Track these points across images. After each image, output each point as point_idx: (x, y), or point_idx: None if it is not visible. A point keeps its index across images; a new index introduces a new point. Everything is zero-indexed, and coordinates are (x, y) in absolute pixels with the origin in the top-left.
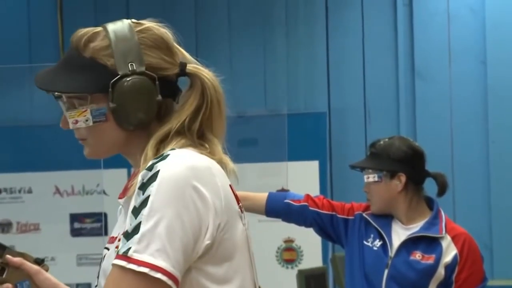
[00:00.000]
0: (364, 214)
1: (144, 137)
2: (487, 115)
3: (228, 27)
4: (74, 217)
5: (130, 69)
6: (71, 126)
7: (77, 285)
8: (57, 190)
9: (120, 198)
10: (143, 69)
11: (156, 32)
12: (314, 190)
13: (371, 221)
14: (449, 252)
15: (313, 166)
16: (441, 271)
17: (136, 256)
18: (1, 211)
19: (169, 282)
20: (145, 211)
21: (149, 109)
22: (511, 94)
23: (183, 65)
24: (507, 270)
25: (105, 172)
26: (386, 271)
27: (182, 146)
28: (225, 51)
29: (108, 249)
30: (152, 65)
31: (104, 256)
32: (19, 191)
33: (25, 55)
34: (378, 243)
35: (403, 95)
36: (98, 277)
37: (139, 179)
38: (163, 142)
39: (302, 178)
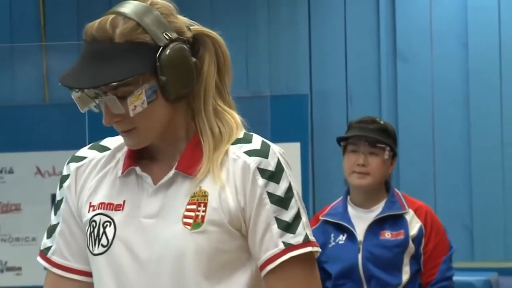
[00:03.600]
0: (320, 217)
1: (185, 107)
2: (469, 98)
3: (210, 9)
4: (56, 198)
5: (167, 38)
6: (131, 114)
7: None
8: (39, 171)
9: (184, 171)
10: (176, 35)
11: (163, 2)
12: (295, 171)
13: (329, 219)
14: (414, 225)
15: (294, 148)
16: (412, 245)
17: (312, 238)
18: None
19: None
20: (296, 198)
21: (192, 73)
22: (493, 76)
23: (188, 28)
24: (487, 252)
25: None
26: (359, 256)
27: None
28: None
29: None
30: (178, 29)
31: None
32: (0, 171)
33: (6, 34)
34: (342, 237)
35: (384, 77)
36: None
37: (253, 167)
38: (218, 116)
39: None
